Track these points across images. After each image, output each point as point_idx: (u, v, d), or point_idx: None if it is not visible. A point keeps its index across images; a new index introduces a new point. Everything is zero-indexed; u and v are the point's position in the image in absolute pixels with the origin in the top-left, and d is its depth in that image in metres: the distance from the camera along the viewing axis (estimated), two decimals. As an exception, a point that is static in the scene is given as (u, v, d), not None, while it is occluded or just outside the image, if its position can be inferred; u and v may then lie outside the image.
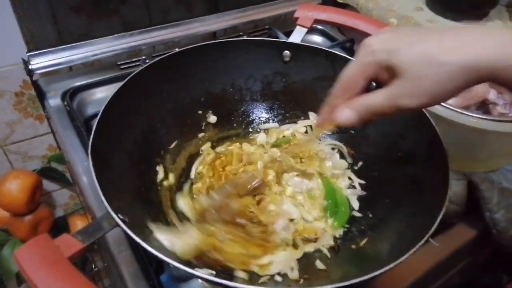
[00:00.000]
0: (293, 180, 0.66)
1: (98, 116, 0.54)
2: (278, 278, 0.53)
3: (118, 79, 0.87)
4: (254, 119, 0.76)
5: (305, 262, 0.56)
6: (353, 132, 0.71)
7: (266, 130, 0.75)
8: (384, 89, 0.39)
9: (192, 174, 0.68)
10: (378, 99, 0.39)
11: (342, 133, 0.72)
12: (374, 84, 0.43)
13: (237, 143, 0.73)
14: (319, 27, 1.11)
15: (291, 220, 0.61)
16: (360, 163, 0.69)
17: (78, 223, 1.12)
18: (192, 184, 0.67)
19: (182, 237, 0.49)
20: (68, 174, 1.12)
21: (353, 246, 0.57)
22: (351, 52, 1.04)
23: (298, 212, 0.61)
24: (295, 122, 0.75)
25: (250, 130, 0.75)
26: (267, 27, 1.09)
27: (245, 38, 1.00)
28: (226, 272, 0.50)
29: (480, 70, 0.34)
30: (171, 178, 0.65)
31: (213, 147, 0.72)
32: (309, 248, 0.58)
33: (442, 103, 0.68)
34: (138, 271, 0.58)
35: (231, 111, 0.75)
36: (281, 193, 0.64)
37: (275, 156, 0.69)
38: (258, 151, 0.71)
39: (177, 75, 0.68)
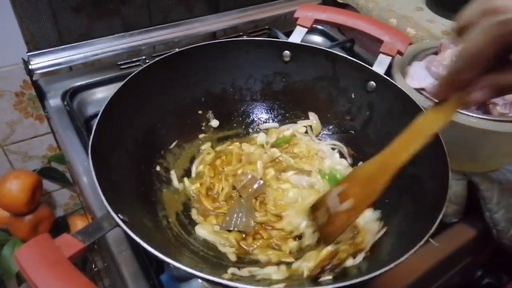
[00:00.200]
0: (292, 177, 0.66)
1: (98, 116, 0.54)
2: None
3: (118, 79, 0.87)
4: (254, 119, 0.76)
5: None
6: (353, 132, 0.71)
7: (266, 130, 0.75)
8: None
9: (193, 174, 0.68)
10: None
11: (342, 133, 0.72)
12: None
13: (237, 143, 0.73)
14: (319, 27, 1.11)
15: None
16: (360, 163, 0.69)
17: (78, 223, 1.12)
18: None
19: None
20: (68, 174, 1.12)
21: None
22: (351, 52, 1.04)
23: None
24: (295, 122, 0.75)
25: (250, 130, 0.76)
26: (267, 27, 1.09)
27: (245, 38, 1.00)
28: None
29: None
30: (174, 178, 0.65)
31: (213, 147, 0.72)
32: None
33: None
34: (138, 271, 0.58)
35: (231, 111, 0.75)
36: (283, 190, 0.64)
37: (275, 156, 0.69)
38: (258, 151, 0.71)
39: (177, 75, 0.68)
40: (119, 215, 0.44)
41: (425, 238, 0.43)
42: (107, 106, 0.55)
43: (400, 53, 0.69)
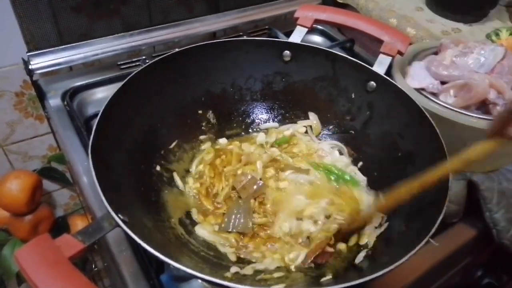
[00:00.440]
0: (290, 176, 0.66)
1: (98, 116, 0.54)
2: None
3: (118, 79, 0.87)
4: (254, 119, 0.76)
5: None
6: (353, 132, 0.71)
7: (265, 130, 0.75)
8: None
9: (193, 172, 0.68)
10: None
11: (342, 133, 0.72)
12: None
13: (237, 142, 0.73)
14: (319, 27, 1.11)
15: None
16: (360, 163, 0.69)
17: (78, 223, 1.12)
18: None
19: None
20: (68, 174, 1.12)
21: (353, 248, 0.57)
22: (351, 52, 1.04)
23: (305, 201, 0.62)
24: (295, 122, 0.75)
25: (250, 130, 0.76)
26: (267, 27, 1.09)
27: (245, 38, 1.00)
28: None
29: None
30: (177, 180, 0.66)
31: (213, 147, 0.72)
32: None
33: (442, 103, 0.68)
34: (138, 271, 0.58)
35: (231, 111, 0.75)
36: (281, 190, 0.64)
37: (274, 155, 0.69)
38: (258, 151, 0.71)
39: (177, 75, 0.68)
40: (119, 215, 0.44)
41: (426, 239, 0.43)
42: (107, 106, 0.55)
43: (400, 53, 0.69)
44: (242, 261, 0.56)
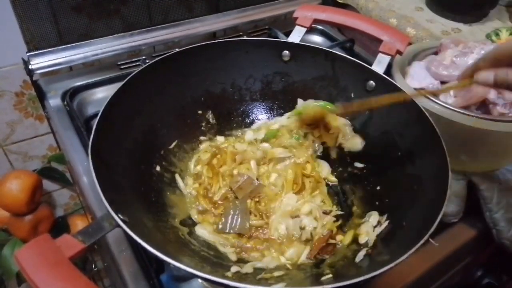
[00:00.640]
0: (276, 167, 0.67)
1: (98, 116, 0.54)
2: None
3: (118, 79, 0.87)
4: (253, 119, 0.76)
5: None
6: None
7: (255, 128, 0.75)
8: None
9: (191, 171, 0.68)
10: None
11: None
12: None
13: (231, 140, 0.73)
14: (319, 27, 1.11)
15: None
16: (359, 163, 0.69)
17: (78, 223, 1.12)
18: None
19: None
20: (68, 174, 1.12)
21: (353, 246, 0.57)
22: (351, 52, 1.04)
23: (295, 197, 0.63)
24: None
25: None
26: (267, 27, 1.09)
27: (245, 38, 1.00)
28: None
29: None
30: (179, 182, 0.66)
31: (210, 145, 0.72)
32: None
33: (442, 103, 0.68)
34: (138, 271, 0.58)
35: (231, 111, 0.75)
36: (273, 185, 0.64)
37: (267, 151, 0.69)
38: (250, 148, 0.70)
39: (177, 75, 0.68)
40: (119, 215, 0.44)
41: (425, 238, 0.43)
42: (107, 106, 0.55)
43: (399, 52, 0.69)
44: (242, 261, 0.56)
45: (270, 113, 0.76)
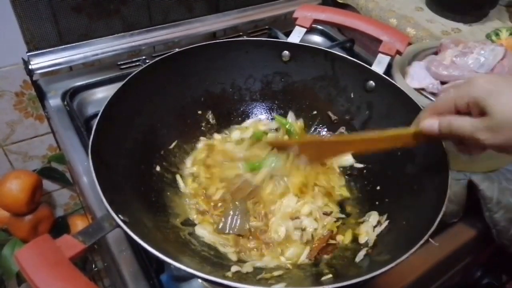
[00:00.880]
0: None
1: (98, 116, 0.54)
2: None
3: (118, 79, 0.87)
4: (253, 119, 0.76)
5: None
6: (352, 132, 0.71)
7: (241, 127, 0.75)
8: (471, 118, 0.42)
9: (187, 172, 0.68)
10: (463, 123, 0.43)
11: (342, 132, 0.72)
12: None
13: (219, 137, 0.73)
14: (319, 27, 1.11)
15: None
16: (359, 163, 0.69)
17: (79, 223, 1.12)
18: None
19: None
20: (68, 174, 1.12)
21: (353, 246, 0.57)
22: (351, 52, 1.04)
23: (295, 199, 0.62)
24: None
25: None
26: (267, 27, 1.09)
27: (245, 38, 1.00)
28: None
29: None
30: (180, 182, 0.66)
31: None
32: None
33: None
34: (138, 271, 0.58)
35: (231, 111, 0.75)
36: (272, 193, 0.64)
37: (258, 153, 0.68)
38: (237, 149, 0.69)
39: (177, 75, 0.68)
40: (119, 215, 0.44)
41: (425, 238, 0.43)
42: (107, 106, 0.55)
43: (399, 52, 0.69)
44: (242, 261, 0.56)
45: (270, 113, 0.76)
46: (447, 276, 0.71)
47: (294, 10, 0.76)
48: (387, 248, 0.52)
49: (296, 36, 0.73)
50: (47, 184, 1.11)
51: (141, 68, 0.62)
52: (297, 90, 0.74)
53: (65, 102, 0.84)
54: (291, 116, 0.75)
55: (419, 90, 0.70)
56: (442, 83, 0.71)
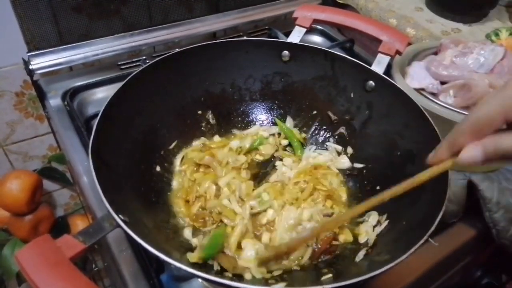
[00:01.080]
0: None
1: (99, 116, 0.54)
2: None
3: (118, 79, 0.87)
4: (253, 119, 0.76)
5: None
6: (352, 132, 0.71)
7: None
8: None
9: (176, 168, 0.67)
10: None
11: (341, 132, 0.72)
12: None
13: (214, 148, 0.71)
14: (319, 27, 1.11)
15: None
16: (359, 163, 0.69)
17: (79, 223, 1.12)
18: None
19: None
20: (68, 174, 1.12)
21: (353, 246, 0.57)
22: (351, 52, 1.04)
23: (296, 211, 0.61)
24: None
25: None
26: (267, 27, 1.09)
27: (245, 38, 1.00)
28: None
29: None
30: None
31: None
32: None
33: (442, 103, 0.68)
34: (138, 271, 0.58)
35: (231, 111, 0.75)
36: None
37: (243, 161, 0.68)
38: (231, 158, 0.67)
39: (177, 75, 0.68)
40: (120, 215, 0.44)
41: (425, 237, 0.43)
42: (107, 106, 0.55)
43: (399, 52, 0.70)
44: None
45: (270, 113, 0.76)
46: (447, 276, 0.71)
47: (294, 10, 0.76)
48: (387, 248, 0.52)
49: (296, 36, 0.73)
50: (47, 184, 1.12)
51: (141, 68, 0.62)
52: (297, 90, 0.74)
53: (65, 102, 0.84)
54: (289, 121, 0.75)
55: (419, 90, 0.70)
56: (442, 83, 0.71)
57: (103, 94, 0.88)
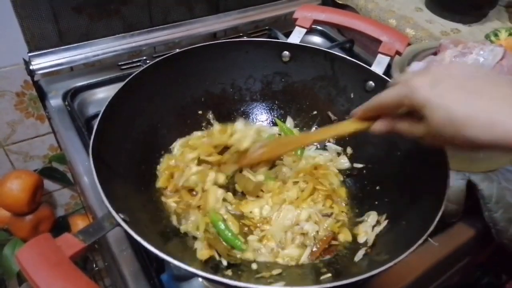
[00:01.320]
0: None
1: (99, 116, 0.54)
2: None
3: (119, 80, 0.88)
4: (253, 120, 0.76)
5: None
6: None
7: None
8: (412, 124, 0.44)
9: (175, 150, 0.68)
10: (410, 128, 0.45)
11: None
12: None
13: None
14: (319, 27, 1.11)
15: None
16: (359, 163, 0.69)
17: (79, 222, 1.13)
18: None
19: None
20: (69, 174, 1.12)
21: (352, 246, 0.57)
22: (351, 53, 1.04)
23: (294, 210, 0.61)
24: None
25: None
26: (267, 27, 1.09)
27: (245, 38, 1.00)
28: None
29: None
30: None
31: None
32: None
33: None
34: (139, 270, 0.59)
35: (231, 111, 0.75)
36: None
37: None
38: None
39: (178, 75, 0.68)
40: (120, 214, 0.44)
41: (424, 237, 0.43)
42: (108, 106, 0.56)
43: (398, 53, 0.70)
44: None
45: (270, 113, 0.76)
46: (447, 275, 0.71)
47: (294, 10, 0.76)
48: (386, 248, 0.52)
49: (296, 37, 0.73)
50: (48, 184, 1.12)
51: (141, 68, 0.63)
52: (297, 90, 0.74)
53: (66, 102, 0.84)
54: (289, 122, 0.75)
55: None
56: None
57: (104, 94, 0.88)
